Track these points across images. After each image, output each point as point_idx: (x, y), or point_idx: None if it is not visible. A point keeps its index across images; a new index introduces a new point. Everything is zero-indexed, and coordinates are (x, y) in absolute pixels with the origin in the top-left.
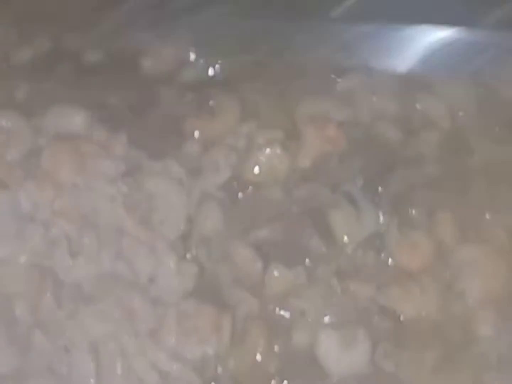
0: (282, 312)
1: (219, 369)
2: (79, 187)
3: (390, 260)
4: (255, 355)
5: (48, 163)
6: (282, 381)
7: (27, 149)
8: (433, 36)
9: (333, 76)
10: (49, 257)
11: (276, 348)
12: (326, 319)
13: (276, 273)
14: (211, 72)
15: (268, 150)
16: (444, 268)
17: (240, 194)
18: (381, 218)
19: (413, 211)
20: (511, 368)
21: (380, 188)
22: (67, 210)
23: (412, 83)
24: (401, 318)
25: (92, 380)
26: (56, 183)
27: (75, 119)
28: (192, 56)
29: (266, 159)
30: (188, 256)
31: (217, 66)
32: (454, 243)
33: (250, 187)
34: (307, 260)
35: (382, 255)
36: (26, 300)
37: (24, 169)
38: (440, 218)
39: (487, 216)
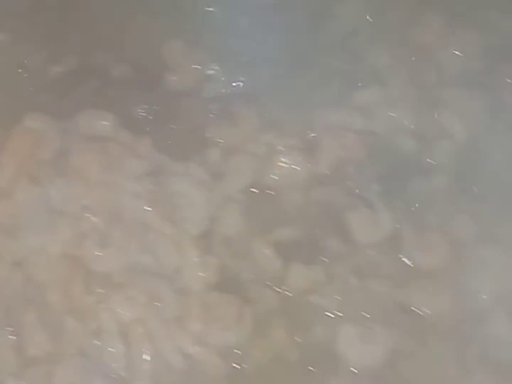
0: (302, 308)
1: (242, 355)
2: (107, 184)
3: (407, 260)
4: (277, 345)
5: (78, 161)
6: (303, 369)
7: (57, 149)
8: None
9: (350, 87)
10: (79, 248)
11: (297, 339)
12: (345, 314)
13: (295, 271)
14: (233, 85)
15: (287, 156)
16: (460, 268)
17: (260, 197)
18: (398, 220)
19: (429, 214)
20: None
21: (396, 193)
22: (96, 205)
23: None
24: (419, 314)
25: (121, 363)
26: (85, 180)
27: (103, 122)
28: (215, 71)
29: (285, 165)
30: (210, 252)
31: (238, 79)
32: (469, 243)
33: (269, 191)
34: (325, 259)
35: (399, 255)
36: (58, 288)
37: (55, 167)
38: (455, 220)
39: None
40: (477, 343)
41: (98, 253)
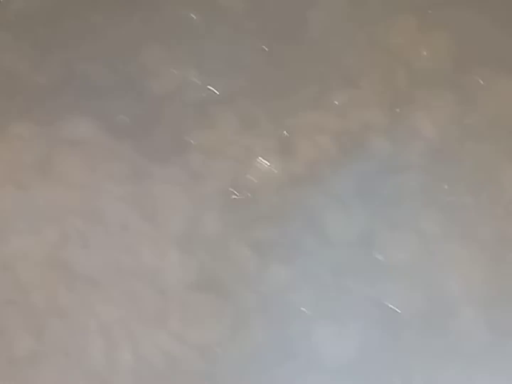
0: (279, 306)
1: (221, 353)
2: (89, 186)
3: (380, 256)
4: (255, 342)
5: (60, 165)
6: (279, 366)
7: (40, 154)
8: None
9: (324, 89)
10: (62, 249)
11: (274, 336)
12: (320, 311)
13: (272, 270)
14: (210, 88)
15: (264, 157)
16: (430, 263)
17: (238, 198)
18: (371, 218)
19: (401, 212)
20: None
21: (369, 192)
22: (78, 208)
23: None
24: (391, 309)
25: (102, 362)
26: (67, 183)
27: (85, 127)
28: (193, 75)
29: (262, 166)
30: (189, 252)
31: (216, 83)
32: (440, 239)
33: (247, 191)
34: (301, 257)
35: (373, 252)
36: (41, 288)
37: (39, 172)
38: (426, 217)
39: (470, 214)
40: (448, 335)
41: (80, 254)
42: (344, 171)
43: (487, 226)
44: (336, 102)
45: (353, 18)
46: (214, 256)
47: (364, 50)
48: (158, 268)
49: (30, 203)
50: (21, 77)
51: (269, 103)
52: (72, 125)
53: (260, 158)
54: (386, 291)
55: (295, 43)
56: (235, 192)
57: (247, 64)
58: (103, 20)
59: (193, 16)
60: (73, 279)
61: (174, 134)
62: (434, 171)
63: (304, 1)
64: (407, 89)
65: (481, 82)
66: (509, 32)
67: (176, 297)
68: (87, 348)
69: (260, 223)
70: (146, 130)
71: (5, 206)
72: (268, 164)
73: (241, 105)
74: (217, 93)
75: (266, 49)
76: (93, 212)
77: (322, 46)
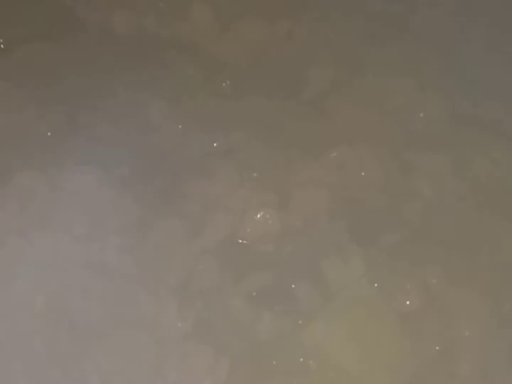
0: (272, 357)
1: None
2: (90, 237)
3: None
4: None
5: (63, 216)
6: None
7: (44, 204)
8: None
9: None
10: (64, 299)
11: None
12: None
13: (267, 319)
14: (212, 144)
15: (261, 211)
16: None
17: (235, 249)
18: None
19: (398, 262)
20: None
21: (367, 244)
22: (80, 258)
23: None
24: None
25: None
26: (70, 234)
27: (87, 178)
28: (195, 130)
29: (260, 219)
30: (187, 302)
31: (218, 138)
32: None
33: (245, 242)
34: (298, 305)
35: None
36: (43, 337)
37: (42, 221)
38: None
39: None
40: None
41: (81, 304)
42: (340, 223)
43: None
44: (334, 156)
45: (353, 78)
46: (210, 307)
47: (362, 108)
48: (157, 318)
49: (33, 252)
50: (24, 126)
51: (268, 158)
52: (75, 175)
53: (258, 210)
54: None
55: (294, 100)
56: (233, 243)
57: (248, 121)
58: (107, 74)
59: (196, 73)
60: (73, 328)
61: (174, 185)
62: (429, 226)
63: (304, 59)
64: (404, 149)
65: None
66: None
67: (174, 347)
68: None
69: (256, 273)
70: (146, 181)
71: (8, 254)
72: (266, 216)
73: (240, 158)
74: (219, 147)
75: (266, 104)
76: (94, 263)
77: (322, 104)
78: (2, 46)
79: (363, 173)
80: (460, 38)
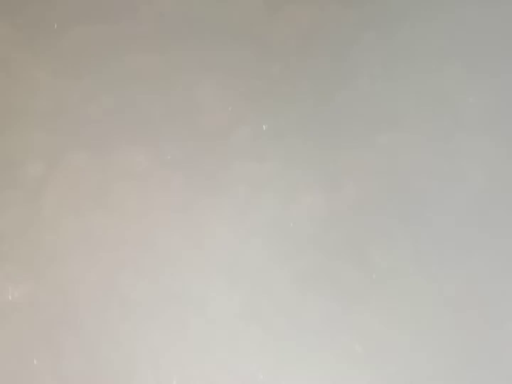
0: (318, 339)
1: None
2: (141, 216)
3: None
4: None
5: (116, 195)
6: None
7: (96, 183)
8: None
9: (371, 131)
10: (116, 276)
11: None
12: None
13: (311, 302)
14: (262, 127)
15: (309, 194)
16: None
17: (282, 231)
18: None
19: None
20: None
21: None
22: (131, 236)
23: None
24: None
25: None
26: (121, 212)
27: (138, 159)
28: (244, 112)
29: (307, 202)
30: (234, 282)
31: (266, 120)
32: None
33: (292, 225)
34: (344, 289)
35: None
36: (95, 314)
37: (96, 201)
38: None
39: None
40: None
41: (132, 281)
42: (389, 209)
43: None
44: (382, 141)
45: (400, 63)
46: (256, 287)
47: (411, 94)
48: (205, 297)
49: (87, 230)
50: (76, 108)
51: (316, 142)
52: (126, 157)
53: (304, 193)
54: None
55: (343, 85)
56: (280, 225)
57: (297, 103)
58: (160, 56)
59: (246, 55)
60: (124, 304)
61: (223, 167)
62: (476, 210)
63: (354, 47)
64: (453, 133)
65: None
66: None
67: (222, 326)
68: (135, 373)
69: (302, 255)
70: (196, 162)
71: (63, 233)
72: (313, 199)
73: (288, 141)
74: (267, 130)
75: (316, 89)
76: (145, 241)
77: (370, 89)
78: (55, 26)
79: (411, 158)
80: None
